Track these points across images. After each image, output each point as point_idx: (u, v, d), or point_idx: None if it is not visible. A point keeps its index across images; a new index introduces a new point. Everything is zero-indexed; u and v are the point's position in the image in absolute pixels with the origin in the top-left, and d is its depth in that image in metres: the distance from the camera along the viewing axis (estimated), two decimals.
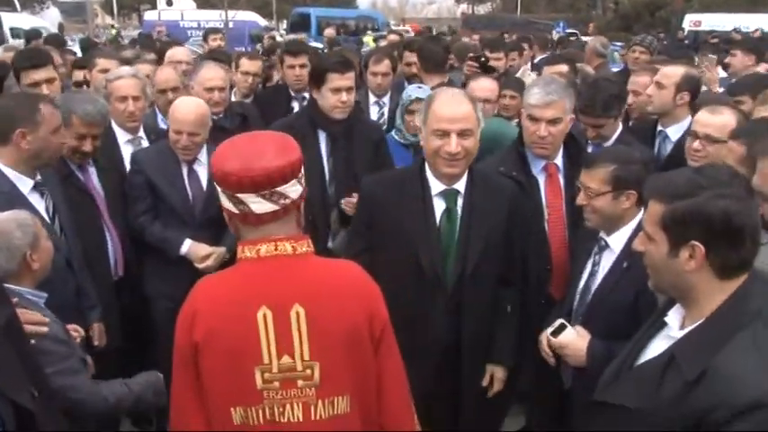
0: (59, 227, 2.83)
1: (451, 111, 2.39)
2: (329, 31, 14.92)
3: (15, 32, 17.27)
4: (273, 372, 1.69)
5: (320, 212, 3.30)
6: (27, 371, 1.63)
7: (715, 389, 1.46)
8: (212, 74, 3.99)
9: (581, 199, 2.49)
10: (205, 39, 8.00)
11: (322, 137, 3.39)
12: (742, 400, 1.42)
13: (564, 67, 4.70)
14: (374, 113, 4.84)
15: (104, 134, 3.29)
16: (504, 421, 3.13)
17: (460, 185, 2.51)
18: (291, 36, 9.99)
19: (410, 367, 2.28)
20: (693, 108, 3.53)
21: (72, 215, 2.93)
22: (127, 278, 3.38)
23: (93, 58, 4.68)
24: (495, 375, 2.66)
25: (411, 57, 5.14)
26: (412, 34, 14.53)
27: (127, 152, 3.60)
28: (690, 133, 3.00)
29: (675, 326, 1.69)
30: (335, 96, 3.30)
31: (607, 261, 2.51)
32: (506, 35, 12.98)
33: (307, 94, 4.19)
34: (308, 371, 1.70)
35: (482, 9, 52.13)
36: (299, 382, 1.70)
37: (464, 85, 4.36)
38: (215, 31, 8.26)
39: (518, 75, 5.70)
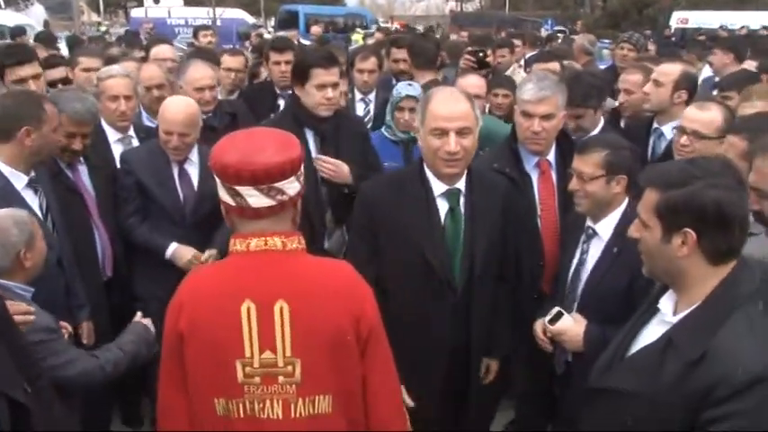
0: (52, 224, 2.81)
1: (449, 109, 2.35)
2: (316, 29, 14.89)
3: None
4: (255, 366, 1.69)
5: (315, 212, 3.24)
6: (20, 366, 1.63)
7: (715, 368, 1.52)
8: (201, 73, 3.95)
9: (573, 184, 2.54)
10: (195, 36, 7.92)
11: (309, 135, 3.29)
12: (742, 377, 1.48)
13: (555, 65, 4.70)
14: (360, 110, 4.84)
15: (94, 132, 3.26)
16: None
17: (461, 185, 2.48)
18: (282, 33, 9.90)
19: (419, 368, 2.29)
20: None
21: (62, 213, 2.91)
22: (116, 278, 3.35)
23: (76, 56, 4.61)
24: (490, 367, 2.69)
25: (398, 53, 5.12)
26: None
27: (117, 151, 3.57)
28: (678, 128, 3.02)
29: (669, 311, 1.73)
30: (320, 93, 3.19)
31: (596, 249, 2.57)
32: (495, 33, 13.00)
33: None
34: (290, 368, 1.70)
35: (470, 6, 52.14)
36: (280, 379, 1.70)
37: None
38: (206, 27, 8.18)
39: (508, 72, 5.70)
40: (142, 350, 2.53)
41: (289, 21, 25.47)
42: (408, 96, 3.59)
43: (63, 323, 2.52)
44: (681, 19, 25.50)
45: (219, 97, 4.21)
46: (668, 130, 3.58)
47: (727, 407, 1.49)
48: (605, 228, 2.55)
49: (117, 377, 2.51)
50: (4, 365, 1.58)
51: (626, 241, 2.35)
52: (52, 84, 4.40)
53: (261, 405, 1.70)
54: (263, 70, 5.82)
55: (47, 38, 8.40)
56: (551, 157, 2.96)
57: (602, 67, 7.31)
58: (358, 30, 14.87)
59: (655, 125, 3.69)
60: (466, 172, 2.48)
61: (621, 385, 1.72)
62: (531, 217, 2.88)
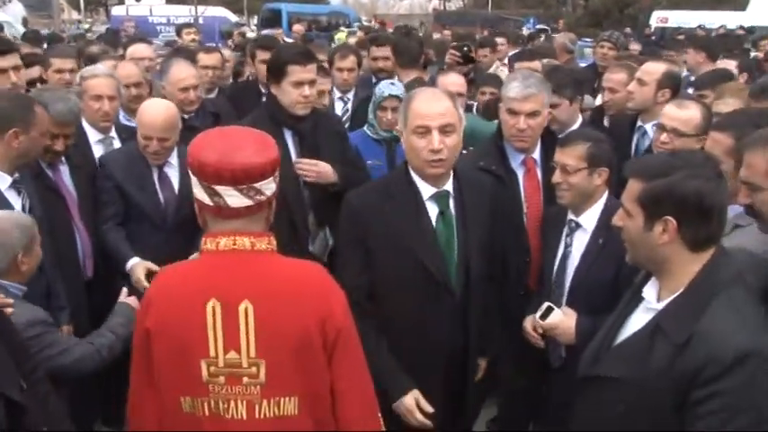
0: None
1: (431, 107, 2.30)
2: (298, 27, 14.81)
3: None
4: (219, 366, 1.69)
5: (298, 214, 3.19)
6: (16, 362, 1.63)
7: (702, 349, 1.58)
8: (185, 73, 3.91)
9: (557, 177, 2.58)
10: (179, 34, 7.85)
11: (288, 135, 3.20)
12: (729, 355, 1.54)
13: (537, 64, 4.71)
14: (339, 109, 4.82)
15: (76, 133, 3.22)
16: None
17: (449, 186, 2.43)
18: (267, 31, 9.84)
19: (417, 372, 2.27)
20: None
21: (44, 214, 2.87)
22: (97, 279, 3.31)
23: (48, 57, 4.46)
24: (479, 366, 2.67)
25: (377, 51, 5.10)
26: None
27: (98, 152, 3.53)
28: (658, 126, 3.06)
29: (653, 299, 1.78)
30: (297, 90, 3.09)
31: (580, 241, 2.62)
32: (479, 31, 13.06)
33: None
34: (254, 368, 1.69)
35: (453, 5, 52.25)
36: (245, 379, 1.70)
37: None
38: (189, 25, 8.10)
39: (491, 71, 5.73)
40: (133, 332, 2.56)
41: (271, 19, 25.38)
42: (391, 96, 3.56)
43: None
44: (661, 18, 25.75)
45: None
46: (651, 128, 3.61)
47: (715, 386, 1.55)
48: (589, 220, 2.60)
49: (111, 362, 2.54)
50: (2, 365, 1.58)
51: (611, 232, 2.43)
52: (29, 83, 4.34)
53: (225, 405, 1.71)
54: (247, 69, 5.81)
55: (34, 37, 8.24)
56: (536, 154, 2.98)
57: (584, 65, 7.38)
58: (342, 28, 14.83)
59: (639, 123, 3.72)
60: (452, 173, 2.43)
61: (611, 373, 1.76)
62: (517, 214, 2.89)
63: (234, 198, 1.67)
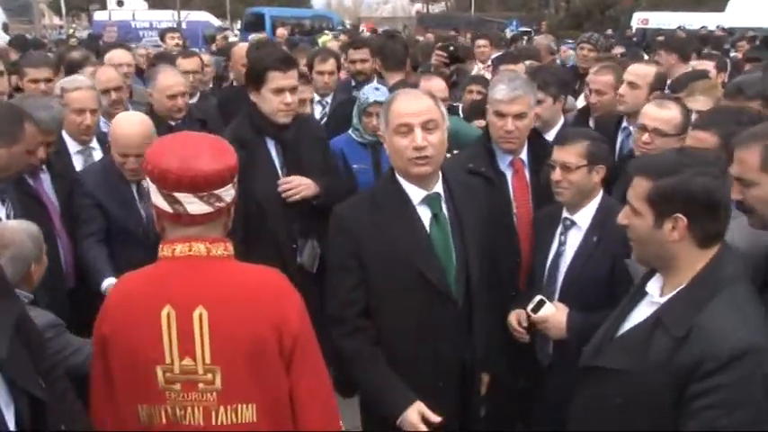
0: None
1: (411, 105, 2.22)
2: (281, 31, 14.76)
3: None
4: (175, 372, 1.69)
5: (282, 225, 3.09)
6: (35, 363, 1.65)
7: (701, 344, 1.60)
8: (173, 80, 3.87)
9: (557, 175, 2.58)
10: (162, 38, 7.81)
11: (271, 144, 3.12)
12: (727, 352, 1.56)
13: (521, 67, 4.73)
14: (317, 113, 4.78)
15: (58, 141, 3.17)
16: None
17: (439, 188, 2.32)
18: (254, 35, 9.80)
19: (422, 388, 2.19)
20: None
21: None
22: (80, 288, 3.25)
23: (23, 66, 4.26)
24: (483, 379, 2.54)
25: (355, 54, 5.08)
26: (367, 34, 14.51)
27: (78, 162, 3.46)
28: (639, 126, 3.07)
29: (656, 293, 1.81)
30: (278, 98, 2.99)
31: (574, 239, 2.62)
32: (459, 33, 13.10)
33: None
34: (209, 375, 1.69)
35: (436, 8, 52.42)
36: (200, 386, 1.69)
37: None
38: (173, 30, 8.06)
39: (473, 74, 5.75)
40: None
41: (255, 23, 25.33)
42: (376, 102, 3.49)
43: None
44: (641, 20, 26.00)
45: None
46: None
47: (712, 381, 1.56)
48: (584, 218, 2.61)
49: None
50: (25, 365, 1.60)
51: (605, 229, 2.49)
52: (16, 90, 4.28)
53: (182, 412, 1.71)
54: (231, 74, 5.78)
55: (22, 43, 8.10)
56: (524, 155, 2.99)
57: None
58: (326, 32, 14.81)
59: (624, 124, 3.74)
60: (441, 176, 2.34)
61: (610, 364, 1.78)
62: (507, 215, 2.89)
63: (194, 205, 1.67)
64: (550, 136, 3.38)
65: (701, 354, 1.58)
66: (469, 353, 2.35)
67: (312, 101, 4.71)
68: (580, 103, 4.83)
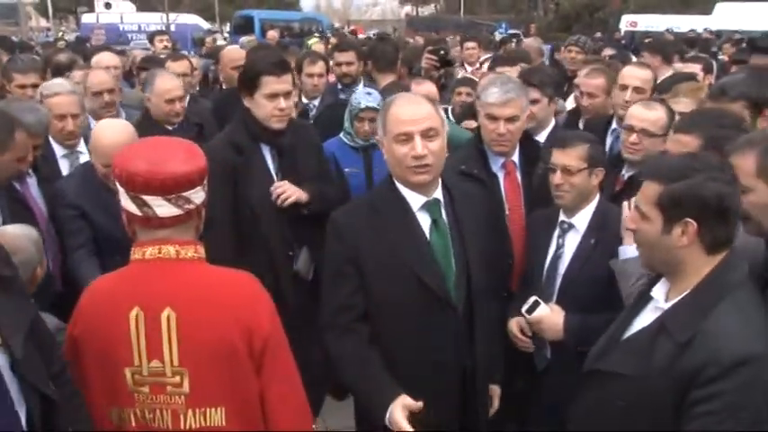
0: None
1: (411, 112, 2.18)
2: (272, 34, 14.74)
3: None
4: (143, 374, 1.69)
5: (277, 232, 3.05)
6: (46, 364, 1.67)
7: (704, 349, 1.59)
8: (171, 84, 3.83)
9: (558, 178, 2.57)
10: (151, 41, 7.77)
11: (266, 150, 3.06)
12: (729, 358, 1.55)
13: (518, 69, 4.70)
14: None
15: (44, 144, 3.13)
16: None
17: (439, 194, 2.27)
18: (245, 38, 9.74)
19: (424, 397, 2.10)
20: None
21: None
22: (68, 293, 3.20)
23: (9, 71, 4.20)
24: (494, 392, 2.49)
25: (340, 57, 5.05)
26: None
27: (64, 166, 3.41)
28: (626, 128, 3.07)
29: (661, 298, 1.80)
30: (272, 103, 2.92)
31: (572, 241, 2.62)
32: (450, 36, 13.12)
33: None
34: (177, 377, 1.69)
35: (426, 11, 52.57)
36: (168, 388, 1.69)
37: None
38: (162, 33, 8.04)
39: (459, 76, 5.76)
40: None
41: (244, 26, 25.28)
42: (368, 108, 3.47)
43: None
44: (630, 22, 26.19)
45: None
46: None
47: (714, 387, 1.56)
48: (581, 220, 2.61)
49: None
50: (38, 366, 1.62)
51: (603, 232, 2.51)
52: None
53: (151, 415, 1.71)
54: (220, 76, 5.75)
55: (8, 46, 8.02)
56: (515, 157, 2.99)
57: None
58: (316, 35, 14.78)
59: (613, 126, 3.74)
60: (441, 182, 2.30)
61: (614, 368, 1.77)
62: (499, 217, 2.89)
63: (163, 208, 1.67)
64: (541, 137, 3.38)
65: (704, 359, 1.57)
66: (470, 359, 2.32)
67: (296, 104, 4.72)
68: (569, 105, 4.83)
